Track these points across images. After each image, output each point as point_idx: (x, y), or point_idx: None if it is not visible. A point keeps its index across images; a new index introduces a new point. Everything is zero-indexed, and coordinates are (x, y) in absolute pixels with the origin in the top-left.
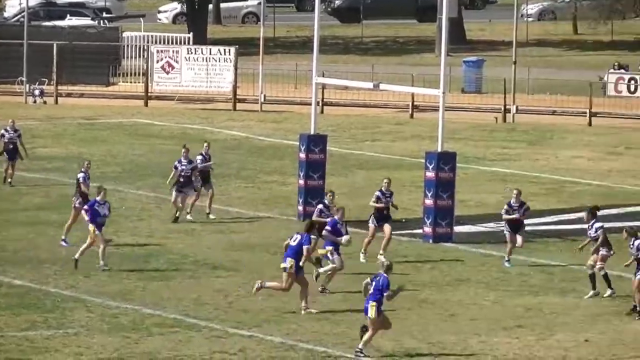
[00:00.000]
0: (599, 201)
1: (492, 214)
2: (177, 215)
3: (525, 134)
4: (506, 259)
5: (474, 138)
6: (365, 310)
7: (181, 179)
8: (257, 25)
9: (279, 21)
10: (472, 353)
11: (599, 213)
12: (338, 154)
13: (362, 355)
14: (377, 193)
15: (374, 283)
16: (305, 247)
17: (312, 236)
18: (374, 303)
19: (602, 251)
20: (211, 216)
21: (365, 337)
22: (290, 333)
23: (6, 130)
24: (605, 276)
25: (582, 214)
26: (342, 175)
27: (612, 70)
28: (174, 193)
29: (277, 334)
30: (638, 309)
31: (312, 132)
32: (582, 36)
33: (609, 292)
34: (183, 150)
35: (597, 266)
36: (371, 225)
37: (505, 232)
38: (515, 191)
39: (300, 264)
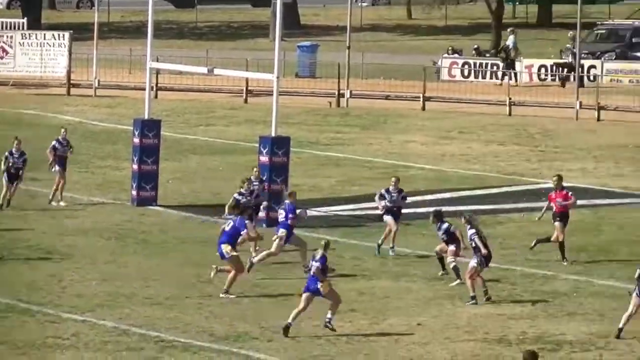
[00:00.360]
0: (433, 185)
1: (326, 199)
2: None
3: (359, 119)
4: (391, 245)
5: (307, 122)
6: (316, 290)
7: (12, 171)
8: (91, 10)
9: (113, 6)
10: (306, 336)
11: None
12: (172, 139)
13: (331, 326)
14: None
15: (317, 263)
16: (243, 232)
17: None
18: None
19: (451, 247)
20: (62, 203)
21: (331, 311)
22: (123, 317)
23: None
24: (455, 268)
25: (417, 198)
26: (176, 160)
27: (445, 55)
28: (5, 183)
29: (110, 318)
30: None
31: (146, 117)
32: (416, 21)
33: (456, 282)
34: (15, 142)
35: (449, 259)
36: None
37: (385, 218)
38: (393, 179)
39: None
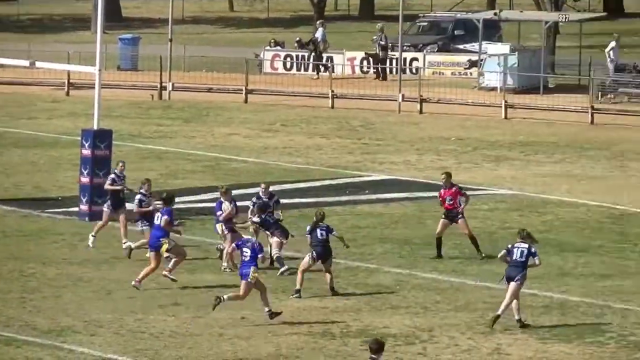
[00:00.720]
0: (256, 178)
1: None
2: None
3: (181, 112)
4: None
5: (130, 115)
6: (245, 275)
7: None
8: None
9: None
10: (131, 330)
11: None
12: None
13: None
14: (112, 175)
15: (247, 250)
16: (164, 218)
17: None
18: (254, 267)
19: (276, 237)
20: None
21: (232, 294)
22: None
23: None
24: (279, 259)
25: (241, 191)
26: None
27: (268, 48)
28: None
29: None
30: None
31: None
32: (238, 13)
33: (283, 269)
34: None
35: (273, 251)
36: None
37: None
38: (263, 185)
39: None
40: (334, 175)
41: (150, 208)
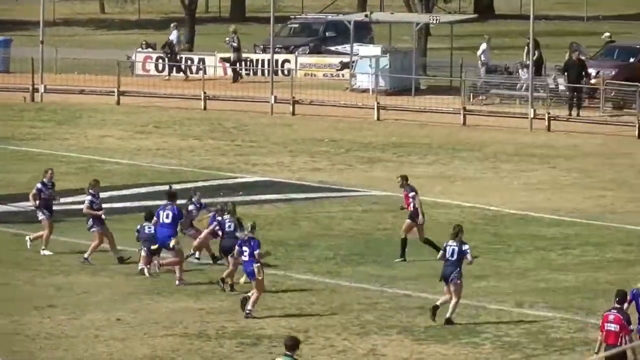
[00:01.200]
0: (128, 180)
1: (22, 194)
2: None
3: (54, 114)
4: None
5: (2, 118)
6: (251, 274)
7: None
8: None
9: None
10: (5, 332)
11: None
12: None
13: (251, 316)
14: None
15: (246, 248)
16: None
17: None
18: (258, 264)
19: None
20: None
21: (253, 297)
22: None
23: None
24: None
25: (114, 193)
26: None
27: (139, 49)
28: None
29: None
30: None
31: None
32: (109, 15)
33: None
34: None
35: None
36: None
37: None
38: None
39: None
40: (208, 176)
41: (101, 213)
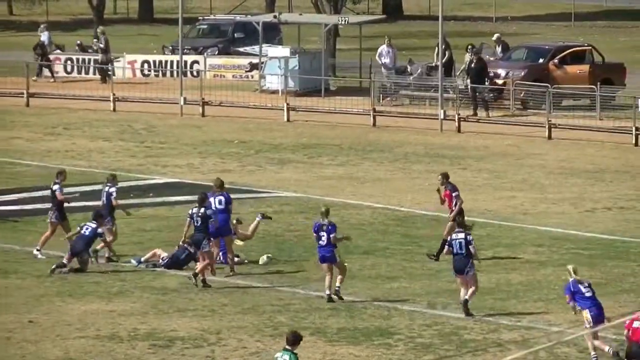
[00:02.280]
0: (40, 181)
1: None
2: None
3: None
4: None
5: None
6: (331, 259)
7: None
8: None
9: None
10: None
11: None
12: None
13: (339, 295)
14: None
15: (323, 233)
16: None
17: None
18: (334, 249)
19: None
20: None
21: (340, 279)
22: None
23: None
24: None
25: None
26: None
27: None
28: None
29: None
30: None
31: None
32: (17, 17)
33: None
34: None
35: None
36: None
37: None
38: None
39: None
40: (118, 178)
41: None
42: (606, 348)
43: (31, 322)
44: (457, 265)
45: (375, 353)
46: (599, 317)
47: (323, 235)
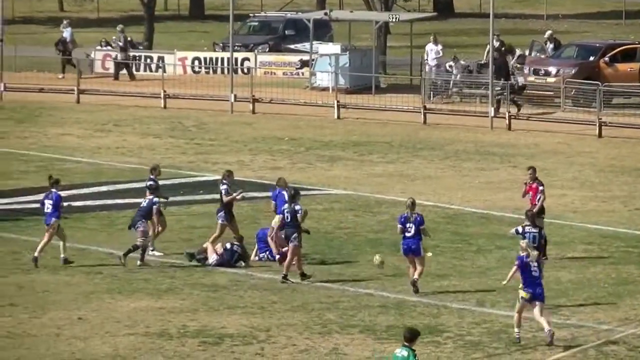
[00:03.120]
0: (89, 178)
1: None
2: None
3: (13, 112)
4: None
5: None
6: (417, 251)
7: None
8: None
9: None
10: None
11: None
12: None
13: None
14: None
15: (412, 225)
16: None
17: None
18: (420, 241)
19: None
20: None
21: (419, 271)
22: None
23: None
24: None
25: (74, 192)
26: None
27: (99, 48)
28: None
29: None
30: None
31: None
32: (68, 13)
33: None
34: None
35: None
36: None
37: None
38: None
39: None
40: (168, 175)
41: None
42: (546, 328)
43: (80, 319)
44: None
45: (424, 351)
46: (540, 297)
47: (410, 227)
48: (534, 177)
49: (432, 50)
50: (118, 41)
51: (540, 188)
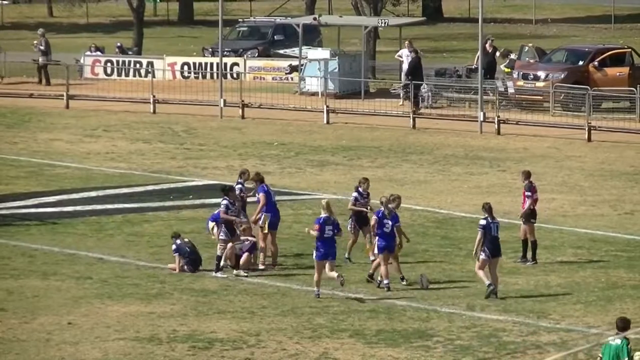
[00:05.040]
0: (78, 183)
1: None
2: None
3: (3, 117)
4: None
5: None
6: (392, 248)
7: None
8: None
9: None
10: None
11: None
12: None
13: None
14: (355, 194)
15: (388, 222)
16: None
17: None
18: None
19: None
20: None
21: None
22: None
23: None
24: None
25: (63, 197)
26: None
27: (88, 53)
28: None
29: None
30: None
31: None
32: (57, 19)
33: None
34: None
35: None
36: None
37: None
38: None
39: None
40: (158, 180)
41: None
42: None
43: (70, 324)
44: (494, 248)
45: (414, 355)
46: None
47: (387, 224)
48: (522, 181)
49: (407, 57)
50: (39, 45)
51: (528, 193)
